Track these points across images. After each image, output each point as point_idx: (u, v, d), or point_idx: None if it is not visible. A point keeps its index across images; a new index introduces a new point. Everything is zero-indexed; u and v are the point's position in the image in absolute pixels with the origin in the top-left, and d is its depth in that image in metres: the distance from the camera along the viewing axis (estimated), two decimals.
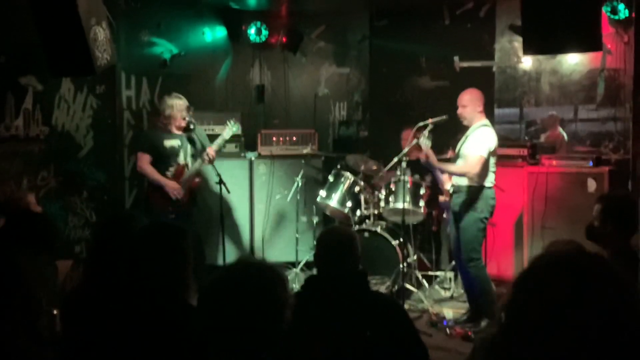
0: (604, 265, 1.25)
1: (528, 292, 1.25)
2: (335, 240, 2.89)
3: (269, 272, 1.85)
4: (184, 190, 5.68)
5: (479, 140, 5.05)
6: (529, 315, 1.21)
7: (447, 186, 5.36)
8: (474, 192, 5.06)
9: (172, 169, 5.71)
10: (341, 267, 2.78)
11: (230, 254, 6.56)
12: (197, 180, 5.86)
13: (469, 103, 5.15)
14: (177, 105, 5.69)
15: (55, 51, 3.77)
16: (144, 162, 5.70)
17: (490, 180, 5.13)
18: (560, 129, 6.71)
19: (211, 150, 5.66)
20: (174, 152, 5.72)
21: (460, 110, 5.19)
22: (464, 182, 5.14)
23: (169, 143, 5.71)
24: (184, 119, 5.69)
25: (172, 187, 5.65)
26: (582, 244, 3.39)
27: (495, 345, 1.28)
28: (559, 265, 1.26)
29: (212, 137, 5.98)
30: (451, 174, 5.17)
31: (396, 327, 2.72)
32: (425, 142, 5.11)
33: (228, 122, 5.96)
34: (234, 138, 6.32)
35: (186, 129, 5.76)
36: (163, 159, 5.70)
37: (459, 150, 5.20)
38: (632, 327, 1.16)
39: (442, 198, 5.55)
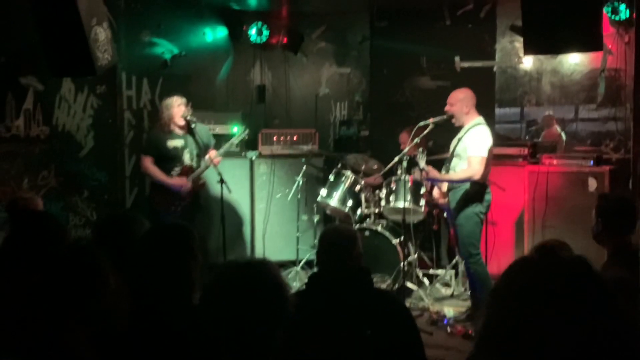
0: (575, 269, 1.26)
1: (501, 301, 1.27)
2: (336, 238, 2.90)
3: (265, 268, 1.87)
4: (191, 184, 5.67)
5: (478, 141, 5.02)
6: (502, 325, 1.22)
7: (444, 187, 5.34)
8: (468, 187, 5.05)
9: (177, 169, 5.71)
10: (343, 264, 2.79)
11: (230, 253, 6.57)
12: (201, 182, 5.86)
13: (456, 102, 5.14)
14: (172, 104, 5.68)
15: (56, 51, 3.77)
16: (147, 162, 5.71)
17: None
18: (558, 129, 6.72)
19: (216, 160, 5.66)
20: (178, 152, 5.71)
21: (447, 108, 5.19)
22: None
23: (172, 144, 5.71)
24: (184, 117, 5.69)
25: (178, 183, 5.64)
26: (582, 243, 3.40)
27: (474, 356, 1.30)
28: (530, 273, 1.28)
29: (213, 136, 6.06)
30: (457, 182, 5.12)
31: (398, 326, 2.73)
32: (420, 161, 5.11)
33: (239, 130, 5.97)
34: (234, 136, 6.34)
35: (189, 128, 5.76)
36: (167, 160, 5.70)
37: (454, 150, 5.17)
38: (606, 331, 1.16)
39: (441, 200, 5.54)
